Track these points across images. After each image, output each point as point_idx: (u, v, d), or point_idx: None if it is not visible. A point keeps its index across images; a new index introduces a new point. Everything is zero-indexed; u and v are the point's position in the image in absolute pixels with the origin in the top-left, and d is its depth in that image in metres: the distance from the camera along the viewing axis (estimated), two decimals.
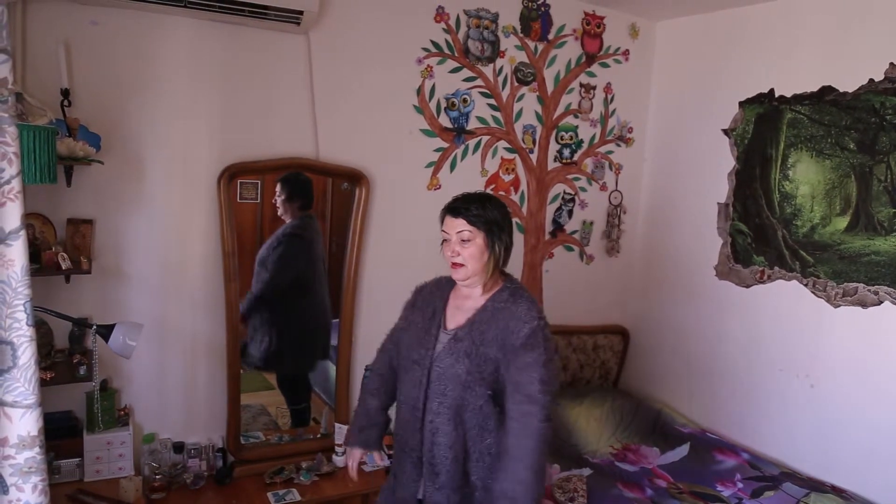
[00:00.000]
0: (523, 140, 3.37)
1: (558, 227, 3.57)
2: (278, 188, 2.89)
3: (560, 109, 3.45)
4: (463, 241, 1.89)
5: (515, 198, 3.40)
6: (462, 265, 1.91)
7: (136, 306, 2.56)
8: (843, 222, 2.82)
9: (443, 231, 1.95)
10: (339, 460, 2.84)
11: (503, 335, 1.86)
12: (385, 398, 2.16)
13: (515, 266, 3.45)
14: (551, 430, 1.84)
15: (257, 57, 2.66)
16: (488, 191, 1.95)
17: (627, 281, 3.85)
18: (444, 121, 3.12)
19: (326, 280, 3.06)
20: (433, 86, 3.06)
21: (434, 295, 2.07)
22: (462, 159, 3.20)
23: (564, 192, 3.55)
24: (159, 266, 2.60)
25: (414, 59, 3.00)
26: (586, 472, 2.86)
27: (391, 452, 2.26)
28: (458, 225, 1.90)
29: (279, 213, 2.91)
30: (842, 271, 2.82)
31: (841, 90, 2.79)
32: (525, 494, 1.78)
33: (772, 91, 3.07)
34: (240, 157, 2.67)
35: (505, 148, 3.32)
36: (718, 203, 3.35)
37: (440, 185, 3.14)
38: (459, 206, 1.91)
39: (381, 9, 2.88)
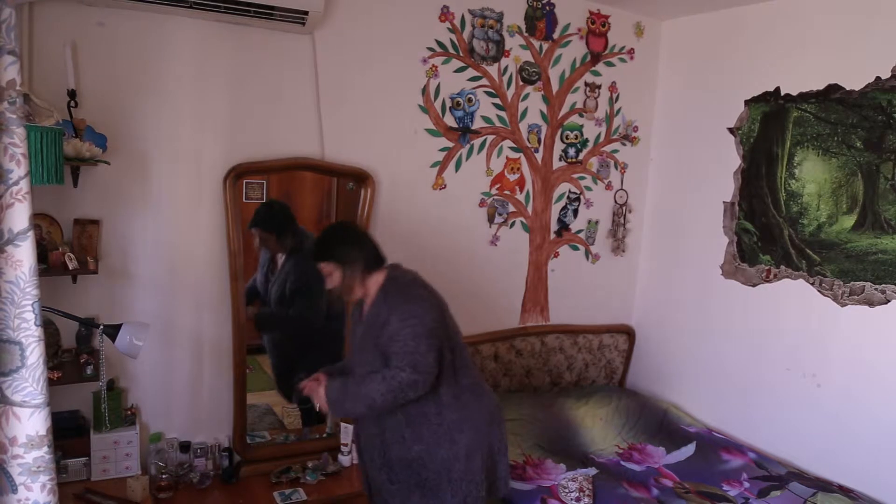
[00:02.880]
0: (528, 139, 3.36)
1: (564, 226, 3.56)
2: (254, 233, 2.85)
3: (565, 108, 3.44)
4: (327, 274, 2.24)
5: (521, 197, 3.40)
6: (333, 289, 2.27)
7: (142, 306, 2.57)
8: (849, 221, 2.81)
9: None
10: (344, 459, 2.85)
11: (381, 319, 2.17)
12: None
13: (521, 265, 3.46)
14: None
15: (262, 57, 2.66)
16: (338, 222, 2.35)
17: (633, 280, 3.84)
18: (450, 120, 3.12)
19: None
20: (438, 85, 3.06)
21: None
22: (467, 159, 3.20)
23: (570, 192, 3.54)
24: (165, 266, 2.61)
25: (419, 58, 3.00)
26: (592, 471, 2.86)
27: None
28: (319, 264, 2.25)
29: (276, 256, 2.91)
30: (848, 270, 2.81)
31: (847, 88, 2.78)
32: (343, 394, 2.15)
33: (778, 89, 3.06)
34: (245, 157, 2.67)
35: (510, 147, 3.32)
36: (724, 202, 3.34)
37: (445, 185, 3.15)
38: (314, 252, 2.26)
39: (386, 8, 2.88)
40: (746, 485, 2.79)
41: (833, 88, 2.83)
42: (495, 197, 3.31)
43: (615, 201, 3.70)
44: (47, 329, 2.30)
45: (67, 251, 2.30)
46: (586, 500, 2.62)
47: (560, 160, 3.48)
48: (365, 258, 2.23)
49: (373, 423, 2.26)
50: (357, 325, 2.34)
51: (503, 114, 3.26)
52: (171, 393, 2.69)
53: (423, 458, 2.18)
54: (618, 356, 3.82)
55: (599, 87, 3.52)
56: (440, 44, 3.03)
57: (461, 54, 3.09)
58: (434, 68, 3.04)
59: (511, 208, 3.37)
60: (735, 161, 3.28)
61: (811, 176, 2.95)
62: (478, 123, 3.20)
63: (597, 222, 3.66)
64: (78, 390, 2.44)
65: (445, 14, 3.02)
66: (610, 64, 3.53)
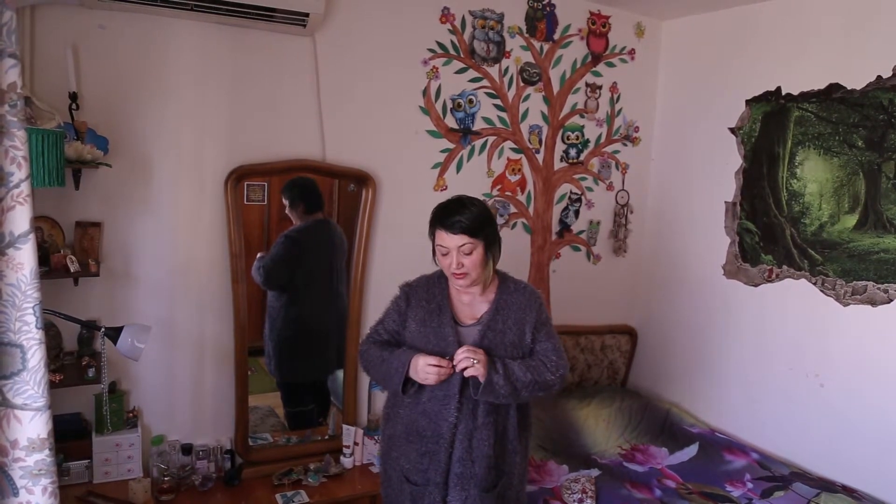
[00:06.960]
0: (529, 140, 3.36)
1: (565, 227, 3.56)
2: (282, 197, 2.91)
3: (566, 109, 3.44)
4: (465, 253, 1.96)
5: (522, 198, 3.39)
6: (466, 274, 1.98)
7: (144, 308, 2.57)
8: (851, 220, 2.81)
9: (439, 245, 2.01)
10: (347, 461, 2.84)
11: (521, 316, 2.06)
12: None
13: (523, 266, 3.45)
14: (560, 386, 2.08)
15: (263, 59, 2.67)
16: (465, 194, 2.08)
17: (635, 281, 3.84)
18: (450, 121, 3.12)
19: (343, 285, 3.04)
20: (439, 87, 3.06)
21: (431, 293, 2.13)
22: (468, 160, 3.20)
23: (571, 192, 3.54)
24: (167, 268, 2.61)
25: (420, 59, 3.00)
26: (595, 472, 2.85)
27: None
28: (459, 240, 1.95)
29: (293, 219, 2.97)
30: (851, 269, 2.80)
31: (849, 87, 2.77)
32: (510, 377, 1.94)
33: (779, 89, 3.06)
34: (246, 159, 2.67)
35: (511, 148, 3.31)
36: (726, 202, 3.33)
37: (446, 186, 3.14)
38: (456, 222, 1.95)
39: (387, 10, 2.88)
40: (750, 485, 2.79)
41: (834, 87, 2.83)
42: (497, 198, 3.31)
43: (616, 202, 3.70)
44: (49, 332, 2.30)
45: (69, 253, 2.30)
46: (589, 501, 2.62)
47: (561, 161, 3.48)
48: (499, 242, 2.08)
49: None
50: (438, 317, 2.07)
51: (504, 115, 3.26)
52: (173, 395, 2.69)
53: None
54: (620, 357, 3.81)
55: (600, 87, 3.52)
56: (441, 45, 3.03)
57: (462, 55, 3.09)
58: (435, 69, 3.04)
59: (512, 209, 3.37)
60: (736, 161, 3.27)
61: (813, 175, 2.94)
62: (479, 124, 3.20)
63: (598, 223, 3.66)
64: (80, 393, 2.44)
65: (446, 15, 3.02)
66: (611, 64, 3.53)
